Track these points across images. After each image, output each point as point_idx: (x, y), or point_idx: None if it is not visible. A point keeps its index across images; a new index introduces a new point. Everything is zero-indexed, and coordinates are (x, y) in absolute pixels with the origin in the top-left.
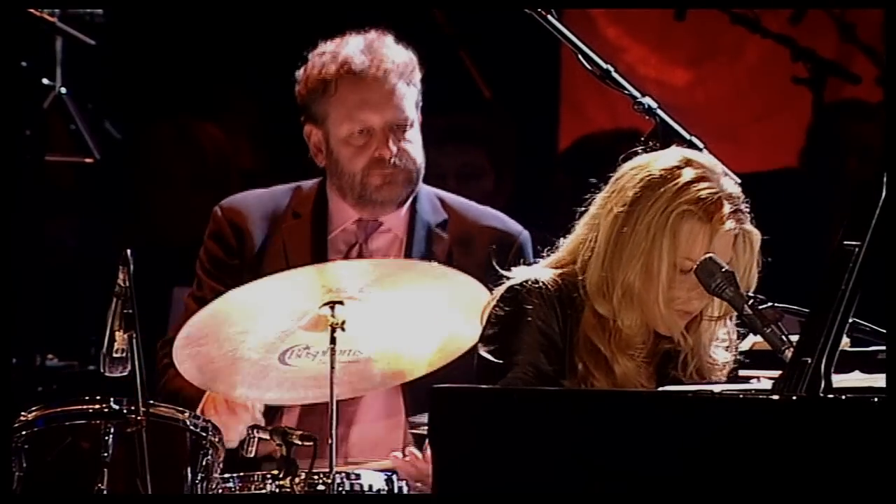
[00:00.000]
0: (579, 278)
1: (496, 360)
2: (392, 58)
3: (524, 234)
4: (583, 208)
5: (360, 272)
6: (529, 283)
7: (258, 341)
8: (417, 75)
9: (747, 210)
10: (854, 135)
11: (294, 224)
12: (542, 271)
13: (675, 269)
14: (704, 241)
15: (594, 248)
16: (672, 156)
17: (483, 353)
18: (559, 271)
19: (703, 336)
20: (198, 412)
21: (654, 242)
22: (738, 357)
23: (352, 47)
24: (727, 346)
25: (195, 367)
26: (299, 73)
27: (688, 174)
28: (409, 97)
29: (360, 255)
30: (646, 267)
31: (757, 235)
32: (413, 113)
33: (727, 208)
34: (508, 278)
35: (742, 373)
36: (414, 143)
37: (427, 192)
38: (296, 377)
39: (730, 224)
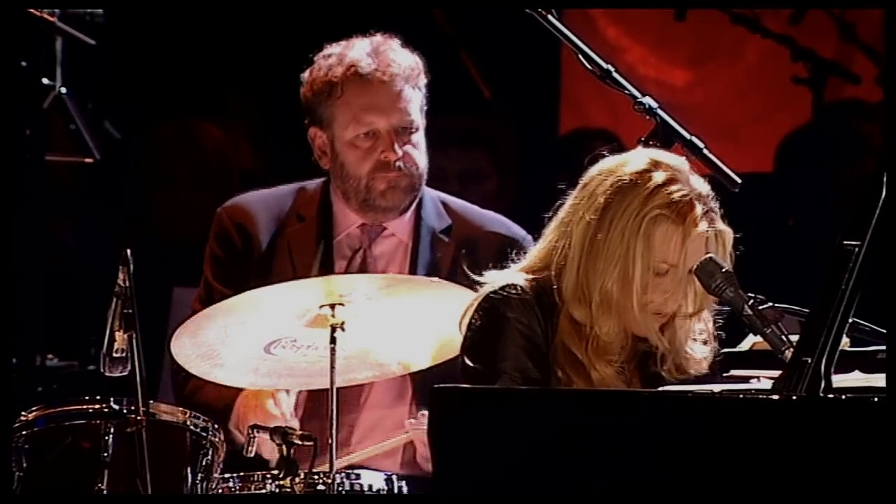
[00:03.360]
0: (554, 286)
1: (482, 370)
2: (399, 61)
3: (528, 239)
4: (550, 213)
5: (366, 285)
6: (507, 288)
7: (252, 330)
8: (423, 80)
9: (717, 208)
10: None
11: (299, 228)
12: (516, 276)
13: (650, 272)
14: (678, 244)
15: (567, 255)
16: (640, 158)
17: (468, 362)
18: (532, 276)
19: (678, 333)
20: (231, 426)
21: (628, 248)
22: (718, 349)
23: (358, 50)
24: (705, 340)
25: (190, 345)
26: (304, 75)
27: (658, 177)
28: (415, 101)
29: (364, 260)
30: (622, 273)
31: (729, 234)
32: (418, 117)
33: (699, 209)
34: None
35: (742, 373)
36: (418, 148)
37: (431, 197)
38: (273, 367)
39: (703, 225)
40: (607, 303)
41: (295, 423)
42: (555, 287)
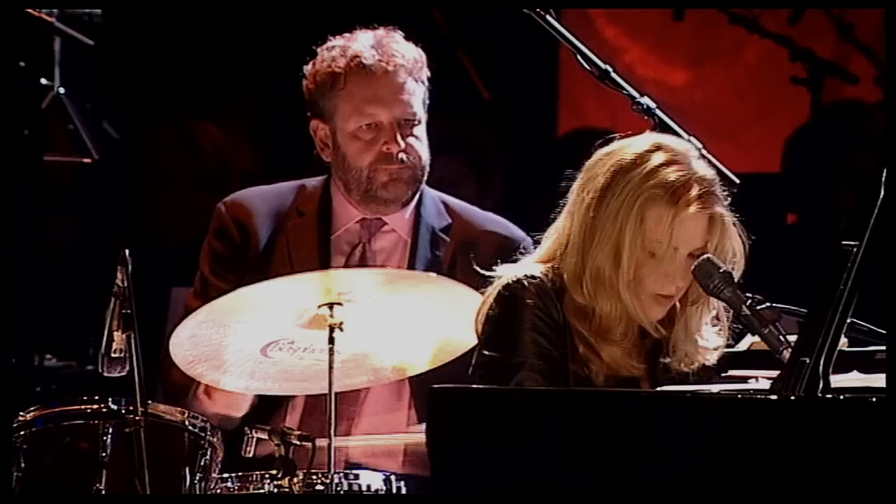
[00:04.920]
0: (561, 269)
1: (501, 358)
2: (402, 53)
3: (527, 241)
4: (562, 201)
5: (366, 280)
6: (524, 278)
7: (250, 331)
8: (426, 73)
9: (722, 193)
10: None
11: (298, 223)
12: (531, 266)
13: (644, 252)
14: (670, 224)
15: (570, 237)
16: (644, 141)
17: (488, 353)
18: (545, 266)
19: (689, 323)
20: (200, 393)
21: (621, 227)
22: (730, 344)
23: (362, 42)
24: (719, 330)
25: (188, 345)
26: (307, 67)
27: (657, 158)
28: (418, 94)
29: (363, 256)
30: (614, 252)
31: (728, 218)
32: (421, 110)
33: (695, 191)
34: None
35: (740, 373)
36: (421, 140)
37: (431, 196)
38: (268, 370)
39: (695, 206)
40: (600, 281)
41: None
42: (559, 268)
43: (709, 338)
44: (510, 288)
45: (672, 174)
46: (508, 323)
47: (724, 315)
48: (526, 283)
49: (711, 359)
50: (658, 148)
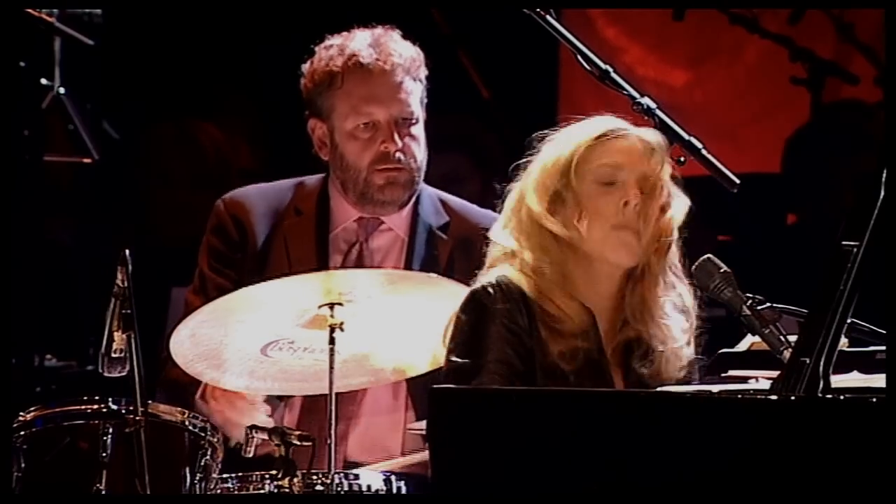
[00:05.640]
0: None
1: (467, 364)
2: (399, 52)
3: None
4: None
5: (366, 280)
6: (491, 285)
7: (250, 331)
8: (423, 71)
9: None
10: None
11: (296, 221)
12: (502, 270)
13: (596, 185)
14: (610, 148)
15: (521, 226)
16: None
17: (453, 358)
18: (512, 265)
19: (647, 296)
20: (197, 398)
21: (566, 178)
22: (700, 325)
23: (359, 41)
24: (682, 310)
25: (189, 344)
26: (305, 66)
27: (586, 122)
28: (415, 93)
29: (360, 254)
30: (576, 208)
31: (658, 138)
32: (418, 109)
33: (633, 131)
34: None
35: (740, 373)
36: (418, 140)
37: (429, 194)
38: (268, 369)
39: (634, 133)
40: (561, 245)
41: (266, 419)
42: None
43: (673, 321)
44: (477, 294)
45: (607, 124)
46: (473, 330)
47: (687, 297)
48: (492, 289)
49: (680, 344)
50: (587, 120)
